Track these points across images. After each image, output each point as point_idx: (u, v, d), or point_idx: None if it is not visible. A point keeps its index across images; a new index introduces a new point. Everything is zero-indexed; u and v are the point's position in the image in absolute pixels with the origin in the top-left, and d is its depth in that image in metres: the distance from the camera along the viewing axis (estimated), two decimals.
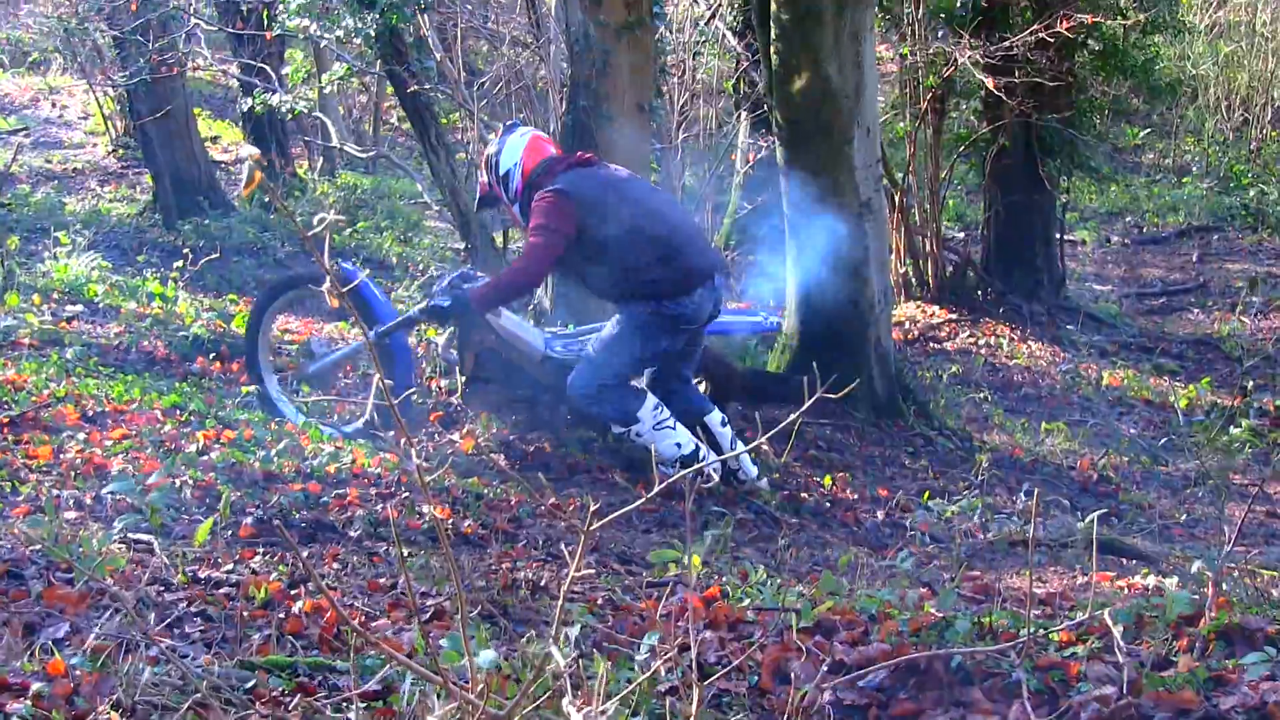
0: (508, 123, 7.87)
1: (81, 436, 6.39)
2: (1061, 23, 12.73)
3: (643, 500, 3.22)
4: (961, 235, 18.25)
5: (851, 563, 6.13)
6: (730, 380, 9.61)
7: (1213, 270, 17.73)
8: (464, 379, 8.09)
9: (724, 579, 5.48)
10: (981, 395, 11.74)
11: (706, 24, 15.14)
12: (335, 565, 5.06)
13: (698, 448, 7.48)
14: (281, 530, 3.83)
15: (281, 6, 9.68)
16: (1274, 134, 23.47)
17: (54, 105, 22.73)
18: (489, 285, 7.45)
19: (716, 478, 7.56)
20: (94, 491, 5.43)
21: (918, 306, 14.73)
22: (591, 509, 3.07)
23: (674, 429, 7.47)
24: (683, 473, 3.49)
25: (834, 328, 9.78)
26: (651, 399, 7.45)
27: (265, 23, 13.88)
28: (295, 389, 8.45)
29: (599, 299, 8.15)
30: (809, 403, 3.20)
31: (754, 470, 7.77)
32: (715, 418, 7.77)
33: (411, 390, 8.23)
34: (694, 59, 15.27)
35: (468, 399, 8.18)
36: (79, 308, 10.11)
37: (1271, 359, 13.53)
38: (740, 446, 7.78)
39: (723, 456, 7.35)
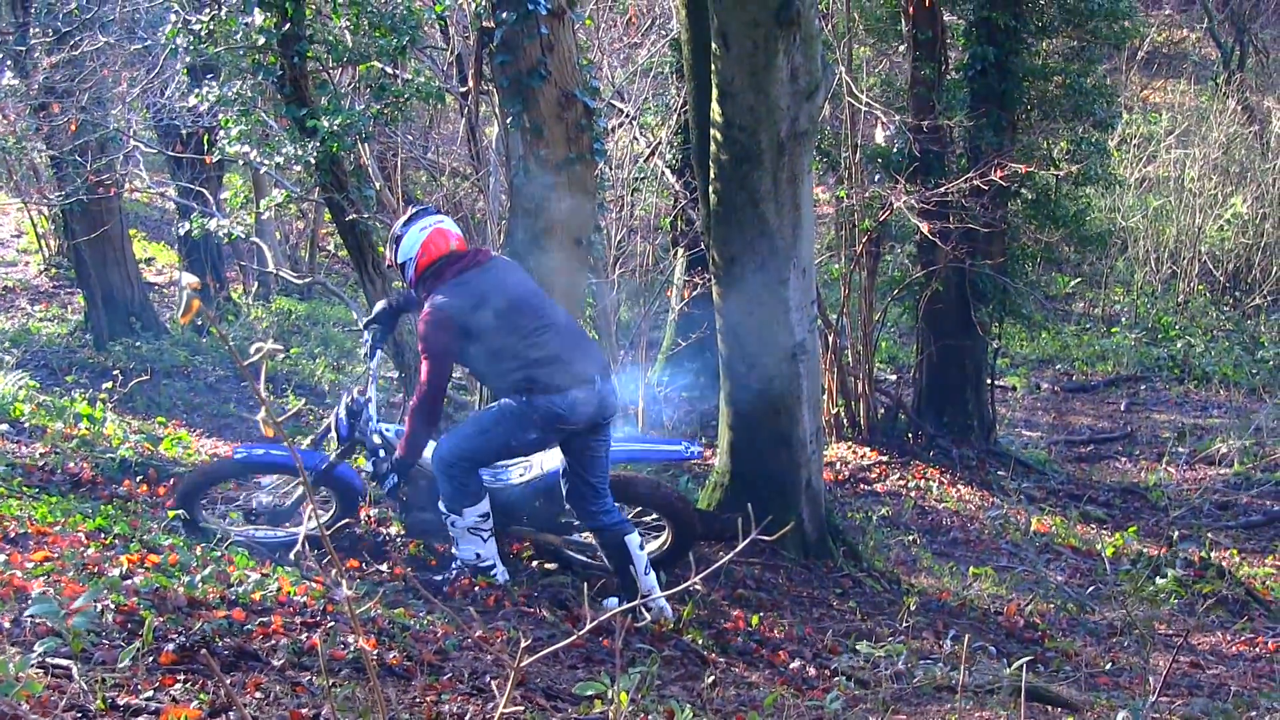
0: (417, 207, 7.92)
1: (2, 558, 6.27)
2: (995, 171, 12.95)
3: (573, 637, 3.19)
4: (894, 377, 18.40)
5: (777, 703, 6.09)
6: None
7: (1140, 419, 17.92)
8: (402, 512, 8.19)
9: (650, 717, 5.42)
10: (910, 538, 11.77)
11: (646, 161, 15.28)
12: (258, 694, 4.97)
13: (494, 565, 7.70)
14: (206, 658, 3.76)
15: (222, 132, 9.69)
16: (1201, 288, 23.90)
17: None
18: (408, 437, 7.64)
19: (504, 582, 7.68)
20: (13, 614, 5.33)
21: (849, 447, 14.79)
22: (522, 644, 3.04)
23: (485, 542, 7.68)
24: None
25: (766, 467, 9.79)
26: (484, 506, 7.64)
27: (205, 147, 13.92)
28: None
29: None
30: (742, 544, 3.20)
31: (665, 604, 7.77)
32: (634, 539, 7.77)
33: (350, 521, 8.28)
34: (633, 195, 15.39)
35: (410, 529, 8.23)
36: (4, 427, 9.97)
37: (1197, 510, 13.65)
38: (652, 574, 7.79)
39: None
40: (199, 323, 16.11)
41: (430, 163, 14.68)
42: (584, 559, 8.41)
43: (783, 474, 9.78)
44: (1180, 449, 15.81)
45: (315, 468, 8.03)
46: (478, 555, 7.68)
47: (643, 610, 7.55)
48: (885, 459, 14.53)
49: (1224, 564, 11.55)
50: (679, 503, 8.35)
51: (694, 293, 14.99)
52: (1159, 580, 10.78)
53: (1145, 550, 11.97)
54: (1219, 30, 30.47)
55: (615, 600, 7.82)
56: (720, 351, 10.00)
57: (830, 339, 14.20)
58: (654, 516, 8.37)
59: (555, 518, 8.25)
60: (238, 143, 9.38)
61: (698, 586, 8.13)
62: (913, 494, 13.55)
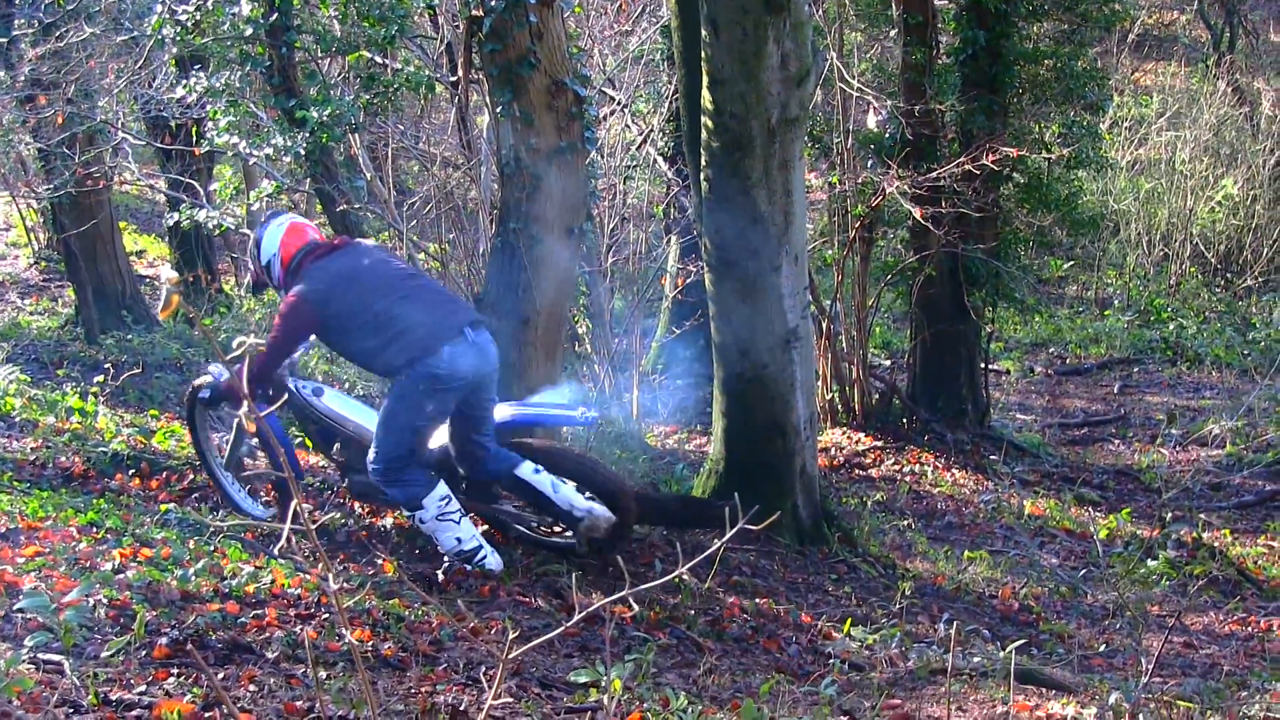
0: (269, 211, 8.00)
1: None
2: (987, 156, 12.91)
3: (565, 625, 3.18)
4: (887, 363, 18.38)
5: (773, 690, 6.09)
6: (657, 506, 9.61)
7: (1133, 402, 17.92)
8: (340, 473, 8.40)
9: (645, 705, 5.42)
10: (905, 522, 11.76)
11: (638, 149, 15.26)
12: (252, 687, 4.97)
13: (479, 546, 7.71)
14: (194, 654, 3.75)
15: (211, 123, 9.67)
16: (1193, 270, 23.91)
17: None
18: (236, 378, 7.64)
19: (498, 570, 7.70)
20: (4, 610, 5.31)
21: (843, 433, 14.78)
22: (512, 634, 3.03)
23: (457, 523, 7.70)
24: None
25: (760, 453, 9.78)
26: (441, 490, 7.67)
27: (194, 139, 13.90)
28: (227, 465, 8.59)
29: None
30: (731, 532, 3.19)
31: (596, 507, 7.93)
32: (526, 468, 7.87)
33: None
34: (625, 183, 15.36)
35: (350, 490, 8.36)
36: None
37: (1190, 491, 13.66)
38: (564, 488, 7.90)
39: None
40: (179, 317, 16.08)
41: (421, 152, 14.62)
42: (519, 526, 8.46)
43: (777, 460, 9.76)
44: (1173, 431, 15.80)
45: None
46: (458, 540, 7.70)
47: (490, 569, 7.78)
48: (880, 444, 14.52)
49: (1216, 544, 11.56)
50: (614, 483, 8.29)
51: (687, 280, 14.97)
52: (1151, 562, 10.79)
53: (1139, 532, 11.98)
54: (1209, 12, 30.47)
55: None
56: (713, 338, 9.98)
57: (824, 325, 14.18)
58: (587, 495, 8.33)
59: (487, 486, 8.32)
60: (227, 134, 9.37)
61: (684, 576, 8.09)
62: (907, 479, 13.54)
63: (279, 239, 7.64)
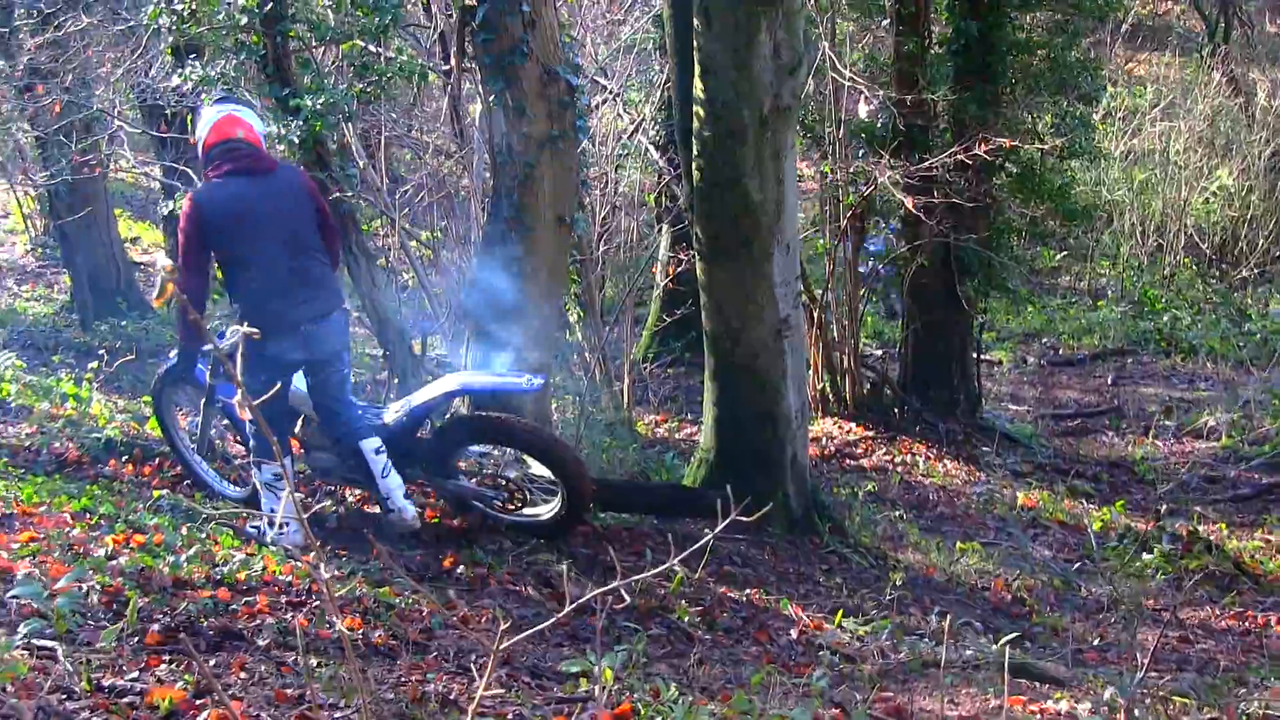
0: (221, 93, 7.96)
1: None
2: (980, 146, 12.91)
3: (558, 616, 3.20)
4: (879, 353, 18.37)
5: (764, 681, 6.10)
6: (647, 495, 9.65)
7: (1127, 394, 17.91)
8: (302, 450, 8.51)
9: (635, 696, 5.43)
10: (897, 513, 11.78)
11: (629, 138, 15.26)
12: (243, 674, 4.98)
13: (285, 524, 7.64)
14: (185, 641, 3.77)
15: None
16: (1187, 260, 23.88)
17: None
18: (229, 364, 7.66)
19: (268, 538, 7.64)
20: None
21: (835, 423, 14.79)
22: (503, 625, 3.04)
23: (278, 499, 7.75)
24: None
25: (751, 443, 9.80)
26: (278, 468, 7.67)
27: (189, 127, 13.87)
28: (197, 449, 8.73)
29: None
30: (724, 523, 3.21)
31: (409, 508, 8.00)
32: (370, 444, 7.95)
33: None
34: (616, 172, 15.37)
35: (310, 468, 8.49)
36: None
37: (1185, 484, 13.67)
38: (393, 477, 7.96)
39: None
40: (173, 304, 16.09)
41: (414, 141, 14.62)
42: (479, 503, 8.51)
43: (768, 450, 9.79)
44: (1167, 423, 15.83)
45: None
46: (271, 510, 7.76)
47: (386, 518, 7.98)
48: (871, 434, 14.53)
49: (1212, 538, 11.54)
50: (573, 463, 8.31)
51: (679, 269, 14.97)
52: (1146, 555, 10.80)
53: (1132, 525, 11.98)
54: (1203, 2, 30.42)
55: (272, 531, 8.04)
56: (705, 327, 10.00)
57: (815, 314, 14.19)
58: (550, 479, 8.37)
59: (443, 460, 8.39)
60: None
61: (675, 567, 8.11)
62: (899, 469, 13.56)
63: (211, 124, 7.60)
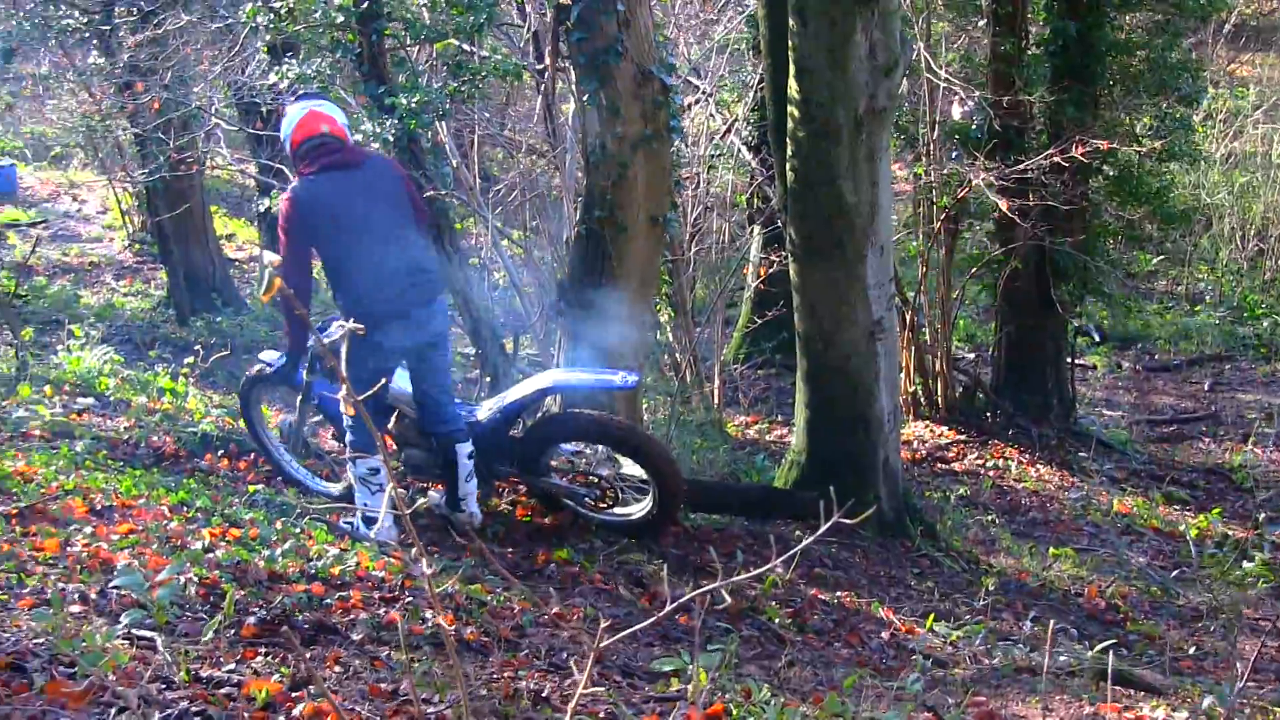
0: (304, 90, 7.98)
1: (89, 530, 6.34)
2: (1076, 148, 12.80)
3: (656, 617, 3.19)
4: (972, 356, 18.26)
5: (856, 684, 6.07)
6: (738, 496, 9.64)
7: (1224, 400, 17.67)
8: (397, 449, 8.57)
9: (727, 696, 5.42)
10: (989, 518, 11.70)
11: (722, 138, 15.24)
12: (337, 668, 5.00)
13: (376, 520, 7.72)
14: (286, 633, 3.79)
15: None
16: None
17: (74, 199, 22.90)
18: (334, 358, 7.70)
19: (371, 540, 7.61)
20: (99, 586, 5.38)
21: (926, 426, 14.71)
22: (602, 624, 3.04)
23: (374, 494, 7.79)
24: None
25: (843, 445, 9.77)
26: (375, 462, 7.75)
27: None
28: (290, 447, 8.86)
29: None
30: (826, 526, 3.19)
31: (479, 511, 8.21)
32: (464, 448, 8.08)
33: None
34: (709, 172, 15.36)
35: (403, 465, 8.51)
36: (90, 401, 10.09)
37: None
38: (473, 481, 8.12)
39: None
40: (280, 299, 16.22)
41: (506, 140, 14.69)
42: (570, 501, 8.58)
43: (860, 453, 9.75)
44: (1267, 430, 15.60)
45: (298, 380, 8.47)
46: (365, 504, 7.84)
47: (454, 514, 8.13)
48: (963, 438, 14.44)
49: None
50: (666, 462, 8.32)
51: (770, 270, 14.94)
52: (1246, 564, 10.66)
53: (1230, 533, 11.83)
54: None
55: (437, 495, 8.37)
56: (797, 329, 9.97)
57: (908, 317, 14.12)
58: (643, 478, 8.39)
59: (535, 458, 8.42)
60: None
61: (779, 569, 8.11)
62: (991, 473, 13.46)
63: (296, 122, 7.64)
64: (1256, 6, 32.73)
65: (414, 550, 6.80)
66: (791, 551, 3.49)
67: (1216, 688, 6.01)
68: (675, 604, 3.09)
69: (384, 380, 7.71)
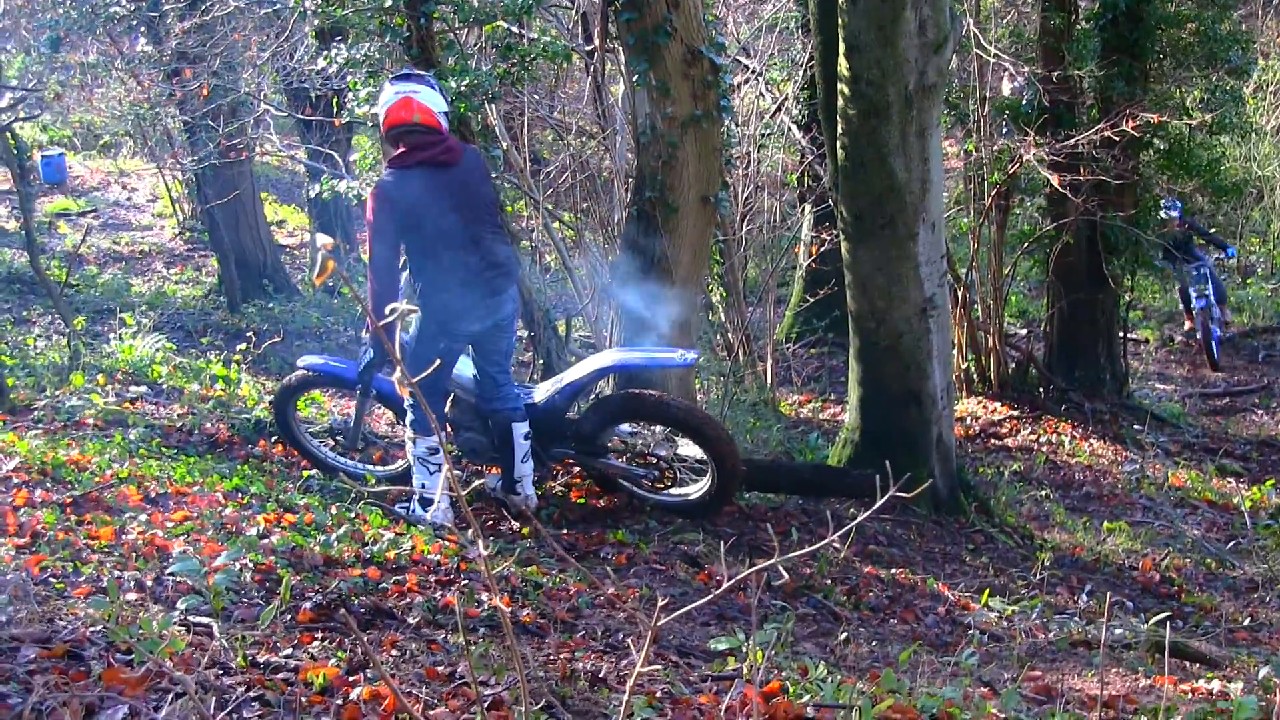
0: (406, 70, 7.92)
1: (143, 518, 6.39)
2: (1127, 122, 12.70)
3: (712, 595, 3.18)
4: (1024, 332, 18.17)
5: (912, 659, 6.06)
6: (791, 475, 9.62)
7: (1277, 372, 17.55)
8: (453, 432, 8.59)
9: (784, 674, 5.41)
10: (1043, 493, 11.65)
11: (772, 117, 15.21)
12: (394, 652, 5.02)
13: (433, 502, 7.81)
14: (345, 616, 3.80)
15: (350, 94, 9.76)
16: None
17: (124, 188, 23.00)
18: (388, 341, 7.70)
19: (428, 523, 7.66)
20: (155, 573, 5.42)
21: (979, 402, 14.65)
22: (659, 604, 3.04)
23: (432, 475, 7.87)
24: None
25: (896, 422, 9.75)
26: (434, 442, 7.82)
27: (334, 110, 14.05)
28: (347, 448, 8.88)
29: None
30: (881, 501, 3.18)
31: (534, 494, 8.27)
32: (520, 428, 8.13)
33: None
34: (759, 151, 15.32)
35: (460, 449, 8.47)
36: (143, 389, 10.16)
37: None
38: (529, 463, 8.18)
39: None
40: (333, 283, 16.30)
41: (556, 122, 14.68)
42: (627, 482, 8.59)
43: (913, 430, 9.73)
44: None
45: (350, 378, 8.53)
46: (423, 485, 7.91)
47: (509, 496, 8.19)
48: (1016, 414, 14.38)
49: None
50: (725, 442, 8.30)
51: (821, 249, 14.91)
52: None
53: None
54: None
55: (493, 478, 8.39)
56: (849, 307, 9.94)
57: (960, 294, 14.06)
58: (700, 458, 8.38)
59: (593, 439, 8.43)
60: (366, 104, 9.44)
61: (835, 546, 8.10)
62: (1044, 449, 13.40)
63: (389, 105, 7.60)
64: None
65: (470, 532, 6.83)
66: (846, 528, 3.47)
67: (1274, 658, 5.98)
68: (731, 582, 3.08)
69: (442, 362, 7.76)
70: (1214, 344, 17.05)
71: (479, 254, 7.66)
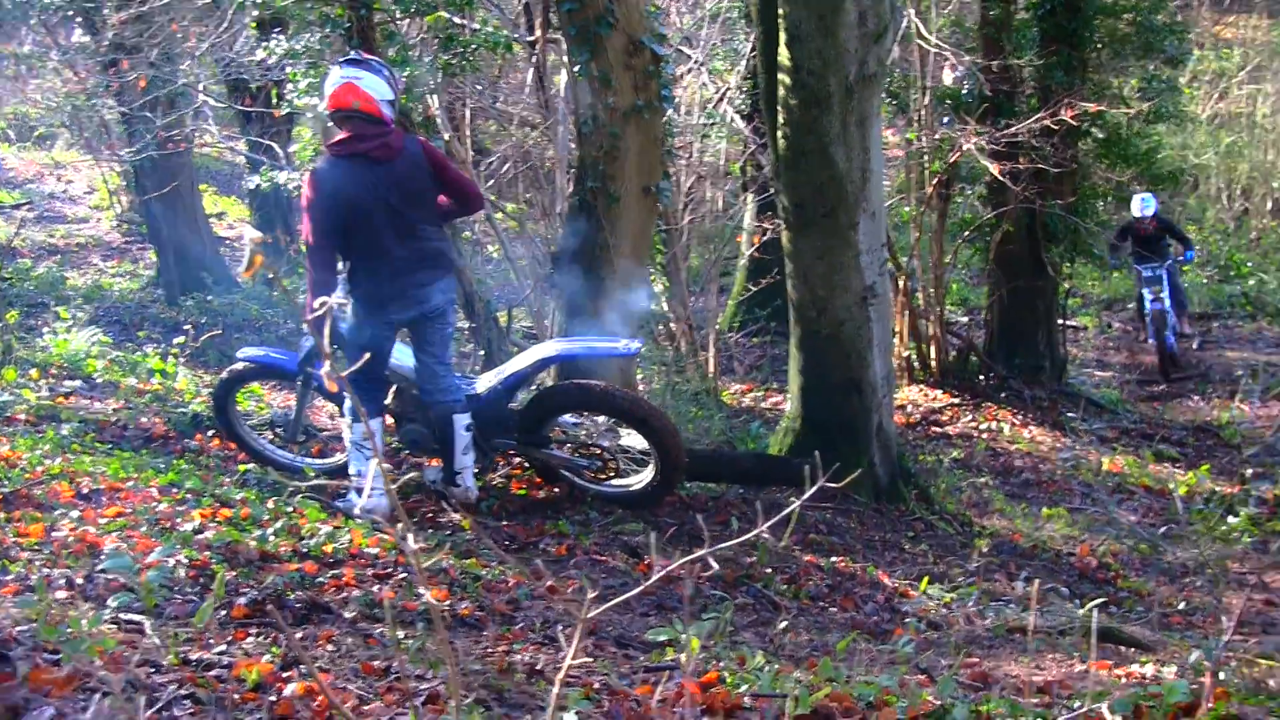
0: (353, 56, 7.84)
1: (75, 514, 6.31)
2: (1065, 111, 12.79)
3: (644, 585, 3.18)
4: (965, 319, 18.29)
5: (850, 647, 6.08)
6: (733, 464, 9.63)
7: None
8: (395, 423, 8.53)
9: (722, 664, 5.41)
10: (982, 480, 11.71)
11: (715, 107, 15.21)
12: (329, 647, 4.99)
13: (360, 494, 7.78)
14: (273, 612, 3.78)
15: (290, 85, 9.71)
16: (1274, 224, 23.62)
17: (59, 180, 22.80)
18: (319, 336, 7.76)
19: (355, 509, 7.64)
20: (86, 570, 5.36)
21: (920, 390, 14.72)
22: (590, 594, 3.03)
23: (364, 461, 7.81)
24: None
25: (836, 411, 9.76)
26: (372, 427, 7.76)
27: (274, 100, 13.96)
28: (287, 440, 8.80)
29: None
30: (810, 490, 3.19)
31: (474, 485, 8.20)
32: (461, 420, 8.09)
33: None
34: (702, 141, 15.34)
35: (401, 439, 8.43)
36: (77, 383, 10.07)
37: (1271, 447, 13.49)
38: (470, 454, 8.12)
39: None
40: (261, 277, 16.20)
41: (499, 112, 14.65)
42: (569, 473, 8.57)
43: (854, 418, 9.74)
44: (1254, 386, 15.62)
45: (291, 369, 8.49)
46: (359, 474, 7.87)
47: (449, 489, 8.14)
48: (957, 401, 14.46)
49: None
50: (669, 433, 8.31)
51: (764, 238, 14.94)
52: (1232, 519, 10.68)
53: (1218, 489, 11.84)
54: None
55: (434, 470, 8.37)
56: (790, 296, 9.95)
57: (901, 282, 14.13)
58: (643, 449, 8.40)
59: (535, 430, 8.42)
60: (306, 95, 9.40)
61: (762, 535, 8.09)
62: (984, 436, 13.47)
63: (334, 87, 7.54)
64: None
65: (399, 526, 6.80)
66: (778, 517, 3.48)
67: (1204, 642, 6.01)
68: (661, 573, 3.08)
69: (374, 352, 7.71)
70: (1169, 350, 16.75)
71: (409, 246, 7.63)
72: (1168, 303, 16.44)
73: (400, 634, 5.28)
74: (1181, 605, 8.68)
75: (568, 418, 8.46)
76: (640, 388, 10.87)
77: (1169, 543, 10.34)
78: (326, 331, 2.96)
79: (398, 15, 9.95)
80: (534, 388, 9.31)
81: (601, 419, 8.44)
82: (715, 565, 7.38)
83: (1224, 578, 9.16)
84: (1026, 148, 13.54)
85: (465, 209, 8.15)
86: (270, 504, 7.26)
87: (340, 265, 7.70)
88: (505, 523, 8.02)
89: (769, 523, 3.55)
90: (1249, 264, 22.00)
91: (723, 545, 3.42)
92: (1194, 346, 18.21)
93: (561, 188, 11.16)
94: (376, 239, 7.53)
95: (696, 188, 15.05)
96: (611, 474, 8.51)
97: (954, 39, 15.27)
